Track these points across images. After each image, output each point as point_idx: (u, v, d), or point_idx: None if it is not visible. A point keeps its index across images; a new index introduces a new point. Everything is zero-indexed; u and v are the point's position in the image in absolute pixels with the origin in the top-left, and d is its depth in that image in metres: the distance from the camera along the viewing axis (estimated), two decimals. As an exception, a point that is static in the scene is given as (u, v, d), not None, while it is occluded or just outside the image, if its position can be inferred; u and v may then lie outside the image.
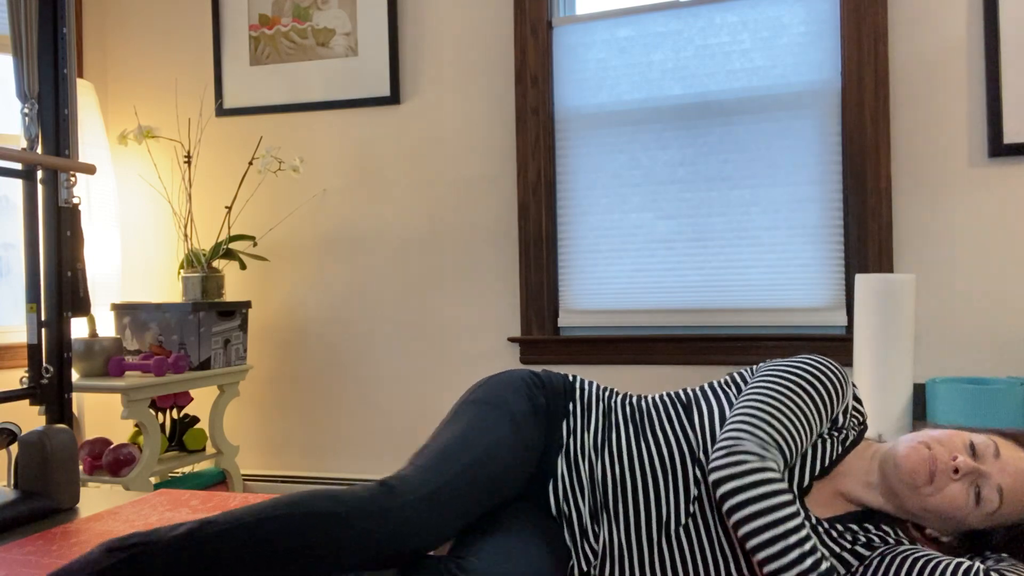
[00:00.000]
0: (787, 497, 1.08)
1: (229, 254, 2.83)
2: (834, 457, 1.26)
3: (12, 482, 1.80)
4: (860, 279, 2.20)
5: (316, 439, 3.02)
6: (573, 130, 2.75)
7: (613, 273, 2.72)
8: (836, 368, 1.29)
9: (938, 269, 2.41)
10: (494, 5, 2.81)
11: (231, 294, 3.08)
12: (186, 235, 2.86)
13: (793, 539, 1.04)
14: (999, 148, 2.33)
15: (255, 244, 2.99)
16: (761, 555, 1.04)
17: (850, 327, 2.49)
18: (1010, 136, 2.33)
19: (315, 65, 2.99)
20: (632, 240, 2.69)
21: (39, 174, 1.95)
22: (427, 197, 2.88)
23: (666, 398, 1.38)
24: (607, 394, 1.42)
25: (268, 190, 3.05)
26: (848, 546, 1.23)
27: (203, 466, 3.03)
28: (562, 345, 2.73)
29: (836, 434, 1.29)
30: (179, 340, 2.65)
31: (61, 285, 1.95)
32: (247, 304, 2.85)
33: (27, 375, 1.93)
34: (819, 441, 1.27)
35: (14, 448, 2.47)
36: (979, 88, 2.37)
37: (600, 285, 2.73)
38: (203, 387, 2.78)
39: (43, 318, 1.93)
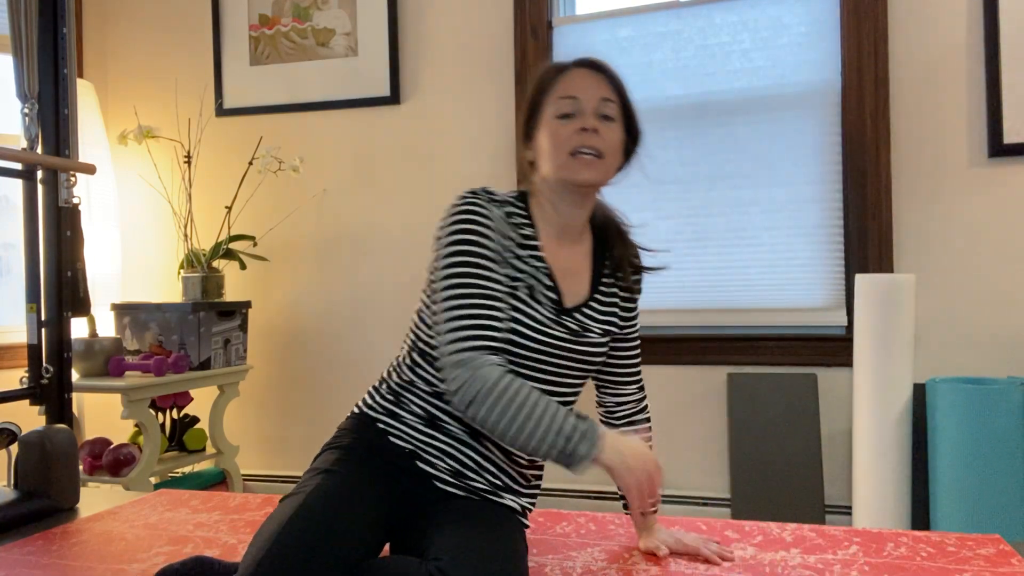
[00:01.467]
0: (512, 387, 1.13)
1: (229, 254, 2.83)
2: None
3: (12, 482, 1.80)
4: (860, 279, 2.20)
5: (316, 439, 3.01)
6: (573, 130, 2.74)
7: (613, 273, 2.71)
8: (464, 205, 1.23)
9: (938, 269, 2.41)
10: (494, 5, 2.81)
11: (231, 294, 3.08)
12: (186, 235, 2.86)
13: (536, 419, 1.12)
14: (999, 148, 2.33)
15: (255, 244, 2.98)
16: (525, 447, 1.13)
17: (850, 327, 2.49)
18: (1010, 136, 2.32)
19: (315, 65, 2.99)
20: (632, 240, 2.69)
21: (39, 174, 1.95)
22: (427, 197, 2.88)
23: None
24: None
25: (268, 190, 3.05)
26: (616, 301, 1.37)
27: (203, 466, 3.03)
28: (562, 345, 2.72)
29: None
30: (179, 340, 2.64)
31: (61, 285, 1.95)
32: (247, 304, 2.85)
33: (27, 375, 1.93)
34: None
35: (14, 448, 2.47)
36: (979, 88, 2.37)
37: (600, 285, 2.73)
38: (203, 387, 2.78)
39: (43, 318, 1.94)
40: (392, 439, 1.28)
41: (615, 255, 1.39)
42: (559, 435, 1.11)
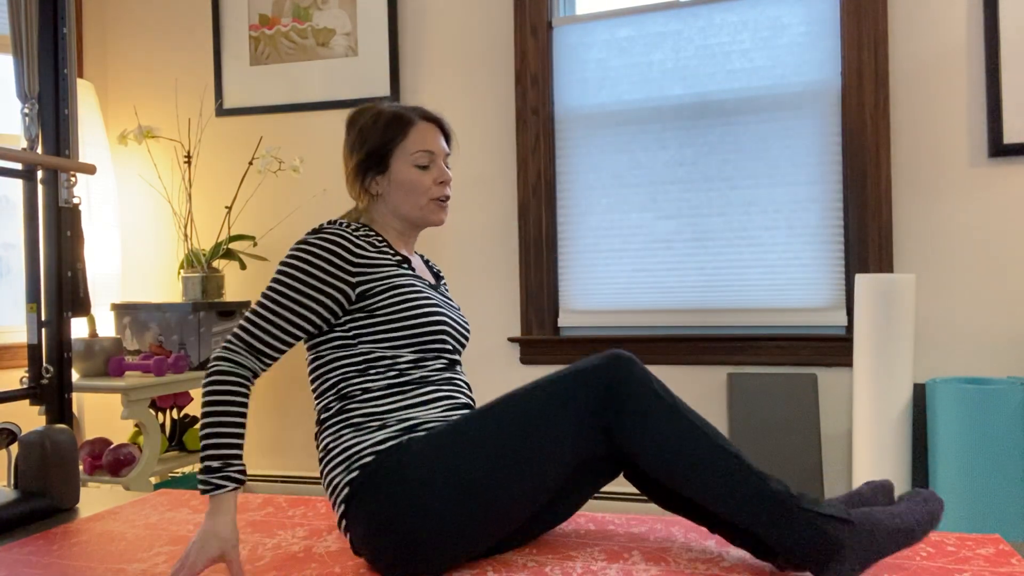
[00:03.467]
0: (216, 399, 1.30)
1: (229, 254, 2.83)
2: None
3: (12, 482, 1.80)
4: (860, 279, 2.20)
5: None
6: (573, 130, 2.75)
7: (613, 273, 2.72)
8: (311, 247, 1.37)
9: (938, 269, 2.41)
10: (494, 5, 2.81)
11: (231, 294, 3.08)
12: (186, 235, 2.86)
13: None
14: (999, 148, 2.33)
15: (255, 244, 2.98)
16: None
17: (850, 327, 2.49)
18: (1010, 136, 2.33)
19: (315, 65, 2.99)
20: (632, 240, 2.69)
21: (39, 174, 1.95)
22: (427, 197, 2.88)
23: None
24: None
25: (268, 190, 3.05)
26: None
27: (203, 466, 3.03)
28: (562, 345, 2.73)
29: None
30: (179, 340, 2.65)
31: (61, 285, 1.95)
32: (247, 304, 2.85)
33: (27, 375, 1.93)
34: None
35: (14, 448, 2.47)
36: (979, 88, 2.37)
37: (600, 285, 2.73)
38: (203, 387, 2.78)
39: (43, 318, 1.93)
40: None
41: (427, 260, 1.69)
42: (203, 455, 1.29)
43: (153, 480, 2.80)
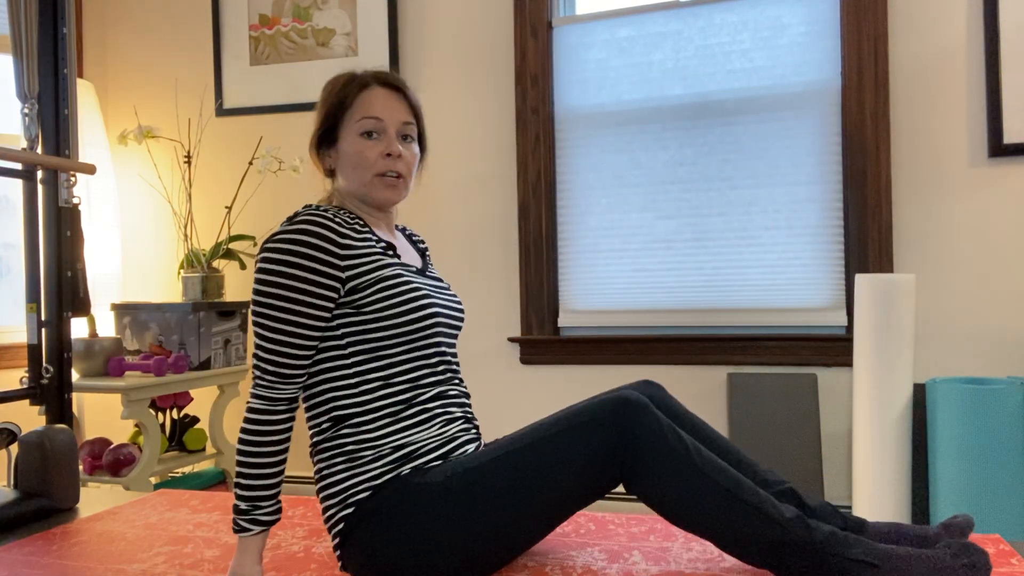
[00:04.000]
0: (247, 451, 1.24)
1: (229, 254, 2.83)
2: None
3: (12, 482, 1.80)
4: (860, 279, 2.20)
5: (316, 439, 3.01)
6: (573, 130, 2.75)
7: (613, 273, 2.72)
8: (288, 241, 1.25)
9: (938, 269, 2.41)
10: (494, 5, 2.81)
11: (231, 294, 3.08)
12: (186, 235, 2.86)
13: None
14: (999, 148, 2.33)
15: (255, 244, 2.98)
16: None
17: (850, 327, 2.49)
18: (1010, 136, 2.33)
19: (315, 65, 2.99)
20: (632, 240, 2.69)
21: (39, 174, 1.95)
22: (427, 197, 2.88)
23: None
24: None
25: (268, 190, 3.05)
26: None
27: (203, 466, 3.03)
28: (562, 345, 2.73)
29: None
30: (179, 340, 2.64)
31: (61, 285, 1.95)
32: (247, 304, 2.85)
33: (27, 375, 1.93)
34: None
35: (14, 448, 2.47)
36: (979, 88, 2.37)
37: (600, 285, 2.73)
38: (203, 387, 2.78)
39: (43, 318, 1.94)
40: (432, 457, 1.30)
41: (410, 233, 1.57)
42: (235, 494, 1.26)
43: (153, 480, 2.80)
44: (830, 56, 2.50)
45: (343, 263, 1.26)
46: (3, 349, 2.75)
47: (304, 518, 1.67)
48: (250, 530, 1.24)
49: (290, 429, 1.27)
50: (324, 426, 1.31)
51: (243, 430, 1.24)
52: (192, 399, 2.86)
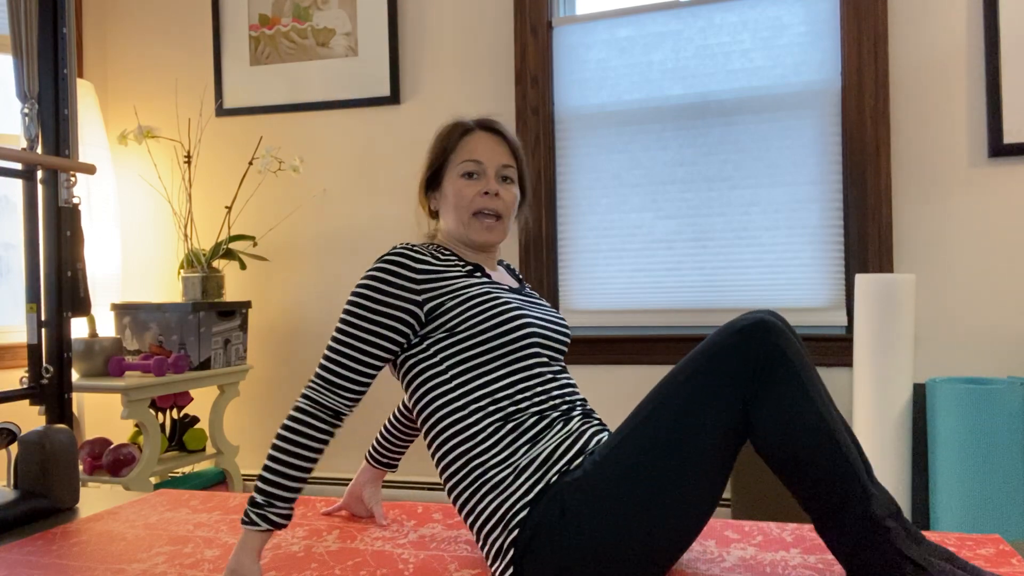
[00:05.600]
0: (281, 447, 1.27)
1: (229, 254, 2.83)
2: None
3: (12, 482, 1.80)
4: (860, 279, 2.20)
5: (316, 439, 3.01)
6: (573, 130, 2.75)
7: (613, 273, 2.72)
8: (378, 271, 1.31)
9: (938, 269, 2.41)
10: (494, 5, 2.81)
11: (231, 294, 3.08)
12: (186, 235, 2.86)
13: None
14: (999, 148, 2.33)
15: (255, 244, 2.98)
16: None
17: (850, 327, 2.49)
18: (1010, 136, 2.33)
19: (315, 65, 2.99)
20: (632, 240, 2.69)
21: (39, 174, 1.95)
22: (427, 197, 2.88)
23: None
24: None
25: (268, 190, 3.05)
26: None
27: (203, 466, 3.03)
28: (562, 345, 2.72)
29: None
30: (179, 340, 2.64)
31: (61, 285, 1.95)
32: (247, 304, 2.85)
33: (27, 375, 1.93)
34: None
35: (14, 448, 2.47)
36: (979, 88, 2.37)
37: (600, 285, 2.73)
38: (203, 387, 2.78)
39: (43, 318, 1.93)
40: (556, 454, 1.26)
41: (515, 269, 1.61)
42: (255, 486, 1.28)
43: (153, 480, 2.80)
44: (830, 56, 2.50)
45: (420, 287, 1.30)
46: (3, 349, 2.75)
47: (304, 518, 1.67)
48: (258, 525, 1.24)
49: (325, 442, 1.29)
50: (452, 463, 1.29)
51: (282, 426, 1.28)
52: (192, 399, 2.86)
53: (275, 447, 1.27)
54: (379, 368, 1.32)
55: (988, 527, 2.01)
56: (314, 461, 1.28)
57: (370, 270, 1.32)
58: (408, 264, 1.31)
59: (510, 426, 1.27)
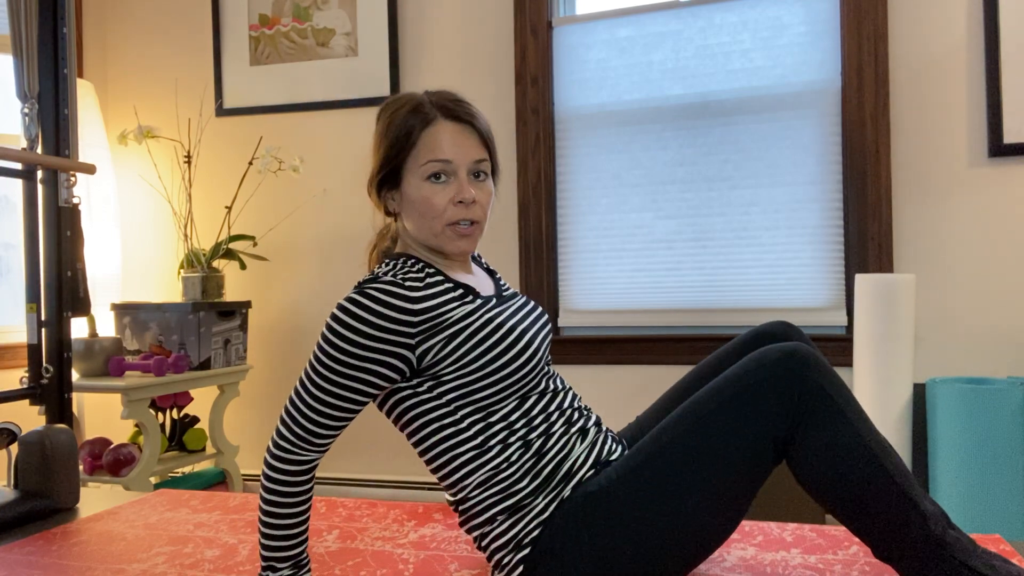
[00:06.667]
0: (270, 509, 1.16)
1: (229, 254, 2.83)
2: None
3: (12, 482, 1.80)
4: (860, 279, 2.20)
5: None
6: (573, 130, 2.75)
7: (613, 273, 2.72)
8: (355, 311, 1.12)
9: (938, 269, 2.41)
10: (494, 5, 2.81)
11: (231, 294, 3.08)
12: (186, 235, 2.86)
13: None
14: (999, 148, 2.33)
15: (255, 244, 2.98)
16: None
17: (850, 327, 2.49)
18: (1010, 136, 2.33)
19: (315, 65, 2.99)
20: (632, 240, 2.69)
21: (39, 174, 1.95)
22: (427, 197, 2.88)
23: None
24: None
25: (268, 190, 3.05)
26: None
27: (203, 466, 3.03)
28: (562, 345, 2.73)
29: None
30: (179, 340, 2.64)
31: (61, 285, 1.95)
32: (247, 304, 2.85)
33: (27, 375, 1.93)
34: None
35: (14, 448, 2.47)
36: (979, 88, 2.37)
37: (600, 285, 2.73)
38: (203, 387, 2.78)
39: (43, 318, 1.94)
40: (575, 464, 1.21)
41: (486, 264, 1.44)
42: (264, 554, 1.17)
43: (153, 480, 2.80)
44: (830, 56, 2.50)
45: (415, 329, 1.13)
46: (3, 349, 2.75)
47: (304, 518, 1.67)
48: None
49: (308, 492, 1.17)
50: (469, 494, 1.20)
51: (261, 498, 1.16)
52: (192, 399, 2.86)
53: (261, 521, 1.16)
54: (358, 412, 1.16)
55: (988, 527, 2.01)
56: (305, 515, 1.16)
57: (353, 303, 1.12)
58: (400, 305, 1.13)
59: (532, 451, 1.18)
